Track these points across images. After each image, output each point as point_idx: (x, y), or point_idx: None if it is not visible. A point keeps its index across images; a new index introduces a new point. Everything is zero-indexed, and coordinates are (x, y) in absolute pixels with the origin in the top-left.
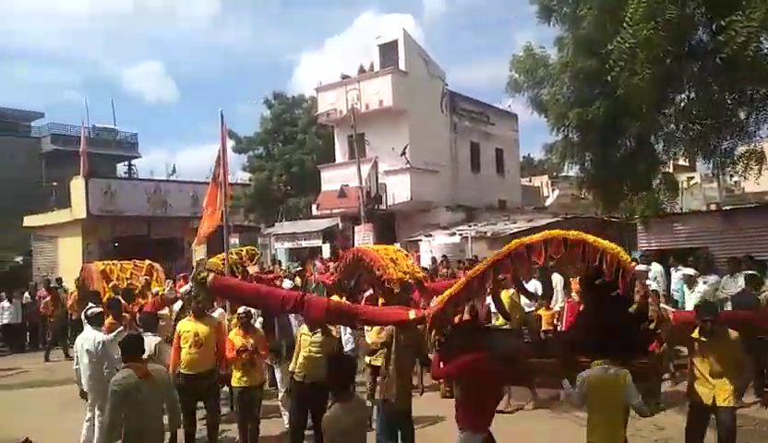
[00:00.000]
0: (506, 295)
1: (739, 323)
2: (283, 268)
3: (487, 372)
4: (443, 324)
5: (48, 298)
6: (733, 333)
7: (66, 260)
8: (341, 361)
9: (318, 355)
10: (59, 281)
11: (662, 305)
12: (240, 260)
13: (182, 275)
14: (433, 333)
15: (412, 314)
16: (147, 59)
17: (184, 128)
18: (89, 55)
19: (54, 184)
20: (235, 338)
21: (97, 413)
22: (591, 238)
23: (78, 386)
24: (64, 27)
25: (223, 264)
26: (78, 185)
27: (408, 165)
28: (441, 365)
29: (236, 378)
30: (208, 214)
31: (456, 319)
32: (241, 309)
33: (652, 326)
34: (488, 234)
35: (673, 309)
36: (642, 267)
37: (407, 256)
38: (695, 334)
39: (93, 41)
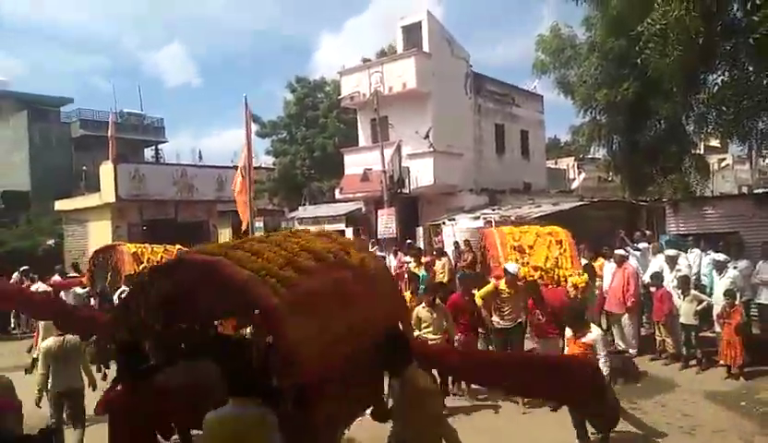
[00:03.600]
0: None
1: None
2: None
3: None
4: None
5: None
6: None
7: (96, 243)
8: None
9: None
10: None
11: (692, 292)
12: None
13: None
14: None
15: None
16: (168, 43)
17: (207, 112)
18: (114, 40)
19: (84, 168)
20: None
21: None
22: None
23: None
24: (86, 10)
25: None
26: (107, 170)
27: (431, 148)
28: None
29: None
30: (243, 201)
31: None
32: None
33: None
34: (512, 218)
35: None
36: (671, 251)
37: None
38: None
39: (117, 26)
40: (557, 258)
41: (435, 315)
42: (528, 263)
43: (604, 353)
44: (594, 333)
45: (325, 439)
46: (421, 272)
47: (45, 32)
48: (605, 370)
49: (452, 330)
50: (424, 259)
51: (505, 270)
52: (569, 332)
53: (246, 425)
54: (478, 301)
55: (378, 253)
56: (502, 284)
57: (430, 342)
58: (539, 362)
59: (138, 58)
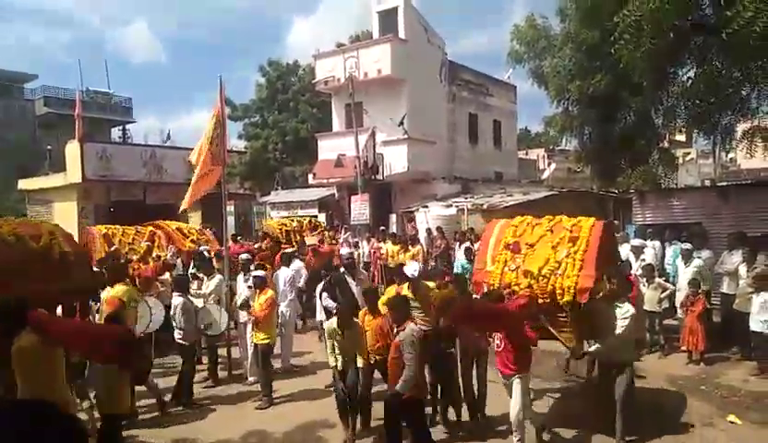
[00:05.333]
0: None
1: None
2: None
3: None
4: None
5: None
6: None
7: (61, 224)
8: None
9: None
10: None
11: (656, 280)
12: (300, 228)
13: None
14: None
15: None
16: (133, 19)
17: (175, 93)
18: (76, 14)
19: (49, 147)
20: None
21: None
22: None
23: None
24: None
25: (281, 229)
26: (72, 149)
27: (406, 135)
28: None
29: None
30: (199, 175)
31: None
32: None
33: None
34: (484, 207)
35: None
36: (636, 241)
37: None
38: None
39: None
40: (559, 262)
41: (345, 336)
42: (519, 267)
43: (409, 354)
44: (407, 331)
45: None
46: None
47: (1, 3)
48: (407, 374)
49: (363, 354)
50: (415, 249)
51: (400, 272)
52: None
53: None
54: (382, 309)
55: (351, 239)
56: (405, 289)
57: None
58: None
59: (103, 35)
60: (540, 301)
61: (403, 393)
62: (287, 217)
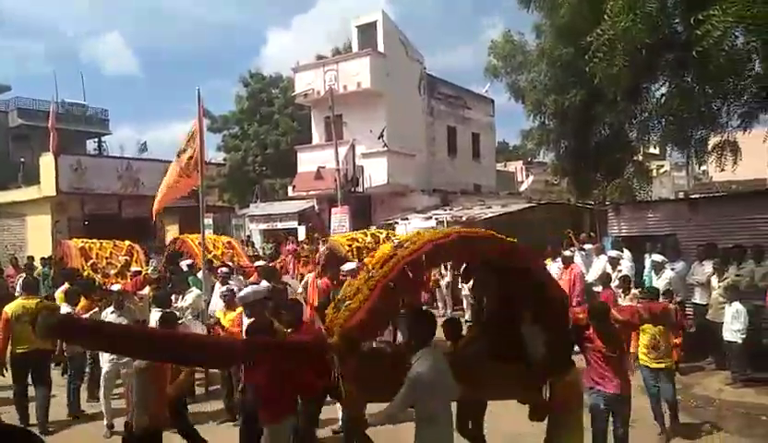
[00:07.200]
0: None
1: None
2: (257, 249)
3: None
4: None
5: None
6: None
7: (35, 238)
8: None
9: None
10: (30, 259)
11: (633, 291)
12: (376, 245)
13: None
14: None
15: None
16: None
17: (151, 105)
18: (50, 25)
19: (22, 160)
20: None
21: None
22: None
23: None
24: None
25: (350, 246)
26: (47, 162)
27: (385, 148)
28: None
29: None
30: (167, 184)
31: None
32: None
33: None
34: (464, 219)
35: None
36: (613, 253)
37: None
38: None
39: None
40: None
41: None
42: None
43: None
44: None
45: None
46: None
47: None
48: None
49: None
50: None
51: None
52: None
53: None
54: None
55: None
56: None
57: None
58: None
59: (76, 45)
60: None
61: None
62: (265, 229)
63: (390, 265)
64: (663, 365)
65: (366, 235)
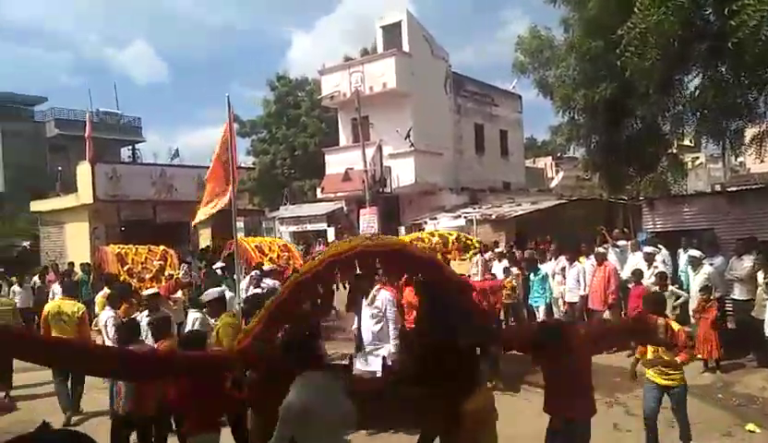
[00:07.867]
0: None
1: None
2: None
3: None
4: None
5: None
6: None
7: (74, 245)
8: None
9: None
10: (71, 265)
11: (670, 287)
12: (445, 247)
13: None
14: None
15: None
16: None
17: (180, 112)
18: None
19: (59, 169)
20: None
21: None
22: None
23: None
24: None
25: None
26: (83, 171)
27: (412, 148)
28: None
29: None
30: (214, 193)
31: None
32: None
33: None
34: (493, 217)
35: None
36: (649, 248)
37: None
38: None
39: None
40: None
41: None
42: None
43: None
44: None
45: None
46: None
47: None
48: None
49: None
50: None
51: None
52: None
53: None
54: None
55: None
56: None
57: None
58: None
59: (104, 55)
60: None
61: None
62: (295, 231)
63: (292, 279)
64: (672, 383)
65: (433, 236)
